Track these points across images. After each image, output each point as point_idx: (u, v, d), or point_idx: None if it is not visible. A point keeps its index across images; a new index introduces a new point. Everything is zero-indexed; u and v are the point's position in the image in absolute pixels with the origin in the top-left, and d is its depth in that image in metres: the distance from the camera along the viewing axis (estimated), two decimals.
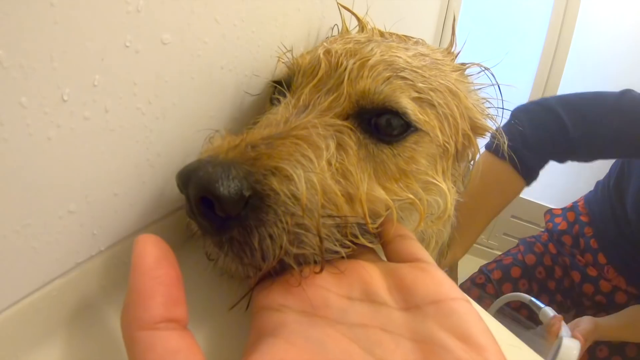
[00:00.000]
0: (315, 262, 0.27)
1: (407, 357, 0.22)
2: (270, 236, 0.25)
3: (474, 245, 1.65)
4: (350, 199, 0.29)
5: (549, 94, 1.35)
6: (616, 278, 1.01)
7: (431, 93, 0.34)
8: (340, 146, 0.30)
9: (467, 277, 1.19)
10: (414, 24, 0.91)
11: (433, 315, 0.23)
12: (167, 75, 0.28)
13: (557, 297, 1.11)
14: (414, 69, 0.34)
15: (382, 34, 0.44)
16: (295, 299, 0.24)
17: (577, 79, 1.18)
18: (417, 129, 0.33)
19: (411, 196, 0.32)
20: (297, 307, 0.24)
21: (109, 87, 0.24)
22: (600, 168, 1.12)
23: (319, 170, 0.27)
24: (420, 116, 0.33)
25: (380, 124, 0.32)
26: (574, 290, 1.10)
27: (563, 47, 1.30)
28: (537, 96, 1.37)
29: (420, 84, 0.34)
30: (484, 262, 1.23)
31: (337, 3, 0.47)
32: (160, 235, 0.22)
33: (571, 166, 1.07)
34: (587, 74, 1.14)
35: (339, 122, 0.31)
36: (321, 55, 0.34)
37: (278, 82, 0.37)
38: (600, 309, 1.04)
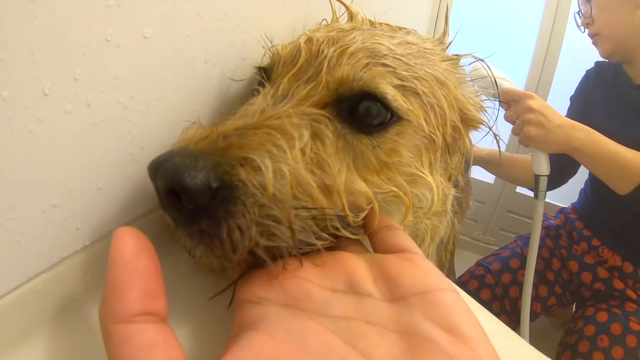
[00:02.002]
0: (290, 254, 0.27)
1: (392, 349, 0.21)
2: (239, 227, 0.25)
3: (470, 240, 1.68)
4: (327, 190, 0.28)
5: (542, 89, 1.37)
6: (612, 257, 1.06)
7: (415, 81, 0.34)
8: (316, 135, 0.30)
9: (464, 271, 1.21)
10: (406, 15, 0.92)
11: (419, 306, 0.23)
12: (150, 69, 0.28)
13: (556, 288, 1.14)
14: (398, 56, 0.34)
15: (372, 24, 0.44)
16: (277, 291, 0.24)
17: (570, 75, 1.19)
18: (399, 118, 0.32)
19: (394, 189, 0.32)
20: (278, 300, 0.24)
21: (90, 81, 0.25)
22: None
23: (291, 159, 0.26)
24: (403, 104, 0.32)
25: (359, 112, 0.31)
26: (573, 281, 1.13)
27: (556, 40, 1.32)
28: (532, 87, 1.39)
29: (403, 72, 0.33)
30: (480, 257, 1.25)
31: None
32: (145, 230, 0.23)
33: None
34: (580, 69, 1.16)
35: (315, 111, 0.31)
36: (302, 44, 0.34)
37: (262, 69, 0.37)
38: (600, 297, 1.07)
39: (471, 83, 0.42)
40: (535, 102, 0.83)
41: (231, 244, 0.25)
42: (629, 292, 1.03)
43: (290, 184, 0.26)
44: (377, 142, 0.32)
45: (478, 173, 1.53)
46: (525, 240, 1.20)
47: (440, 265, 0.59)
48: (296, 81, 0.33)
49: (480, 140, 0.44)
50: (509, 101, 0.84)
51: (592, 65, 1.15)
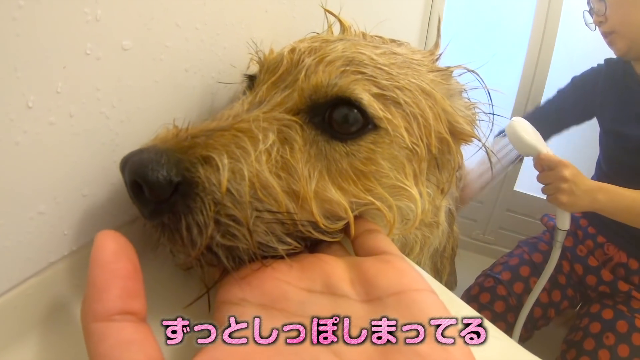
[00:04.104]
0: (251, 257, 0.28)
1: (364, 348, 0.22)
2: (197, 224, 0.26)
3: (470, 240, 1.69)
4: (295, 195, 0.29)
5: (535, 93, 1.39)
6: (617, 254, 1.07)
7: (397, 91, 0.34)
8: (285, 140, 0.30)
9: (466, 271, 1.20)
10: (397, 26, 0.94)
11: (393, 306, 0.24)
12: (130, 79, 0.30)
13: (569, 291, 1.15)
14: (379, 65, 0.34)
15: (364, 36, 0.44)
16: (255, 292, 0.26)
17: (564, 75, 1.21)
18: (376, 127, 0.32)
19: (372, 199, 0.32)
20: (256, 301, 0.25)
21: (72, 93, 0.27)
22: (586, 161, 1.18)
23: (255, 161, 0.28)
24: (379, 111, 0.32)
25: (336, 119, 0.32)
26: (582, 282, 1.14)
27: (548, 41, 1.34)
28: (524, 96, 1.41)
29: (384, 81, 0.33)
30: (481, 257, 1.26)
31: (322, 7, 0.48)
32: (132, 238, 0.24)
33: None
34: (574, 69, 1.18)
35: (287, 116, 0.32)
36: (285, 53, 0.35)
37: (251, 77, 0.39)
38: (606, 297, 1.08)
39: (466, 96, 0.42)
40: (569, 172, 0.89)
41: (190, 239, 0.27)
42: (635, 294, 1.04)
43: (251, 185, 0.27)
44: (351, 150, 0.32)
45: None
46: (531, 245, 1.21)
47: (436, 272, 0.59)
48: (275, 88, 0.34)
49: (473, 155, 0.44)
50: (544, 167, 0.91)
51: (585, 64, 1.16)
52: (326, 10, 0.47)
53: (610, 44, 1.03)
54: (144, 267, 0.27)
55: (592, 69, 1.16)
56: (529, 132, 0.89)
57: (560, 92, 1.20)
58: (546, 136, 1.19)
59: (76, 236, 0.30)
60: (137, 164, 0.26)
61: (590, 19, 1.05)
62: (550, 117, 1.20)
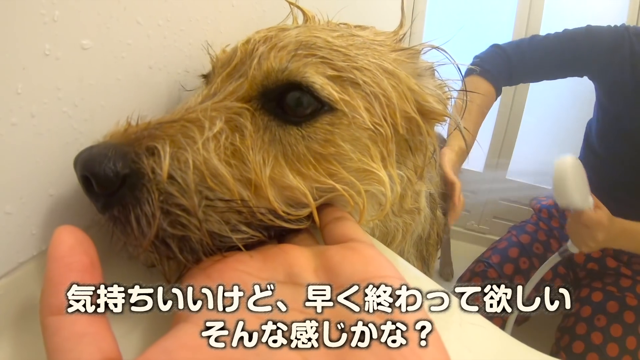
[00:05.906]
0: (205, 247, 0.29)
1: None
2: (145, 214, 0.28)
3: (465, 231, 1.72)
4: (249, 183, 0.30)
5: None
6: None
7: (355, 71, 0.34)
8: (235, 128, 0.31)
9: (463, 261, 1.22)
10: (374, 13, 0.95)
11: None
12: (91, 78, 0.32)
13: (560, 269, 1.17)
14: (335, 47, 0.35)
15: (328, 24, 0.45)
16: (215, 285, 0.26)
17: None
18: (332, 109, 0.33)
19: (334, 183, 0.32)
20: None
21: (32, 94, 0.28)
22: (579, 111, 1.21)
23: (202, 149, 0.29)
24: (334, 93, 0.32)
25: (288, 104, 0.32)
26: (570, 261, 1.16)
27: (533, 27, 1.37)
28: None
29: (340, 63, 0.34)
30: (476, 247, 1.28)
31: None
32: (100, 239, 0.26)
33: (556, 147, 1.13)
34: None
35: (237, 104, 0.32)
36: (239, 45, 0.37)
37: (206, 76, 0.40)
38: (595, 277, 1.11)
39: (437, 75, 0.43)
40: (602, 236, 0.88)
41: (141, 231, 0.28)
42: (623, 270, 1.07)
43: (199, 173, 0.29)
44: (306, 132, 0.32)
45: (467, 162, 1.56)
46: (519, 229, 1.24)
47: (422, 260, 0.60)
48: (229, 79, 0.35)
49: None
50: (579, 221, 0.89)
51: None
52: (289, 3, 0.49)
53: None
54: (112, 264, 0.29)
55: (615, 30, 1.03)
56: (577, 184, 0.84)
57: (570, 37, 1.07)
58: (544, 78, 1.17)
59: (44, 236, 0.31)
60: (85, 159, 0.27)
61: None
62: (552, 59, 1.10)
